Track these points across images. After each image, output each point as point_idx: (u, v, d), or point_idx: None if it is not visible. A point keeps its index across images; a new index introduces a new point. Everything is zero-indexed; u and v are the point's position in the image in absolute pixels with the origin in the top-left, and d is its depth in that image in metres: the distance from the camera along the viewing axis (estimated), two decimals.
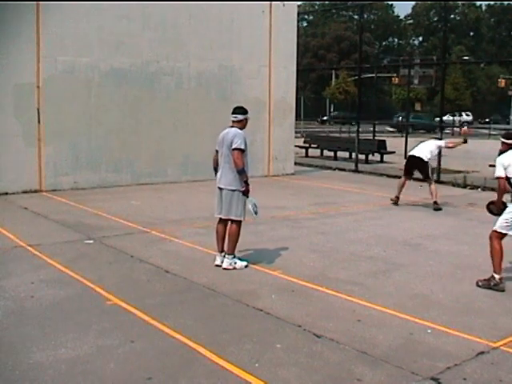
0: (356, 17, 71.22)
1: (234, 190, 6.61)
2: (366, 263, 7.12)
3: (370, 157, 20.29)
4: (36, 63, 11.83)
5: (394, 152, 21.10)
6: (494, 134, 43.05)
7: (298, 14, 17.44)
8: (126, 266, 6.84)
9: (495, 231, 6.24)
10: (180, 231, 8.62)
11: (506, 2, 65.45)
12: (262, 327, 5.02)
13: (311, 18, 76.66)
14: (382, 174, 16.64)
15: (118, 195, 11.89)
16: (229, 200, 6.63)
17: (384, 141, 21.48)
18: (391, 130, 41.76)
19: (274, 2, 15.36)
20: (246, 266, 6.79)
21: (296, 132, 18.19)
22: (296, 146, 18.68)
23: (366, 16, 66.15)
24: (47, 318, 5.17)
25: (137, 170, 13.40)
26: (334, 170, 17.93)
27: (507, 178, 6.22)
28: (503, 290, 6.11)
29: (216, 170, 6.89)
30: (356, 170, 17.38)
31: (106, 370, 4.18)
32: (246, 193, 6.64)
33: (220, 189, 6.73)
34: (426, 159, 11.22)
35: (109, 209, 10.20)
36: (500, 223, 6.22)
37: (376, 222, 9.71)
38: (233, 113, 6.77)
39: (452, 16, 71.82)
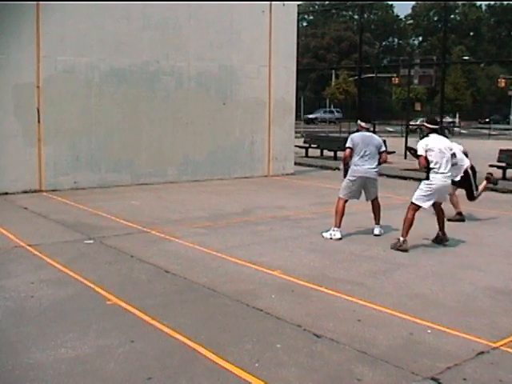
0: (356, 17, 71.33)
1: (378, 176, 8.63)
2: (366, 263, 7.12)
3: None
4: (36, 63, 11.83)
5: (393, 152, 21.08)
6: (494, 134, 43.13)
7: (298, 14, 17.42)
8: (126, 266, 6.84)
9: (412, 203, 7.60)
10: (180, 231, 8.62)
11: (505, 2, 65.49)
12: (262, 327, 5.02)
13: (311, 18, 76.71)
14: (381, 174, 16.52)
15: (117, 195, 11.89)
16: (375, 184, 8.58)
17: (384, 141, 21.41)
18: None
19: (273, 2, 15.36)
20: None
21: (296, 132, 18.19)
22: (296, 145, 18.68)
23: (366, 16, 66.15)
24: (47, 318, 5.17)
25: (137, 169, 13.40)
26: (334, 170, 17.88)
27: (425, 158, 7.49)
28: (406, 250, 7.47)
29: (347, 166, 8.51)
30: None
31: (106, 370, 4.18)
32: None
33: (367, 178, 8.40)
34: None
35: (109, 209, 10.20)
36: (416, 196, 7.56)
37: None
38: (367, 121, 8.85)
39: (452, 16, 71.90)
